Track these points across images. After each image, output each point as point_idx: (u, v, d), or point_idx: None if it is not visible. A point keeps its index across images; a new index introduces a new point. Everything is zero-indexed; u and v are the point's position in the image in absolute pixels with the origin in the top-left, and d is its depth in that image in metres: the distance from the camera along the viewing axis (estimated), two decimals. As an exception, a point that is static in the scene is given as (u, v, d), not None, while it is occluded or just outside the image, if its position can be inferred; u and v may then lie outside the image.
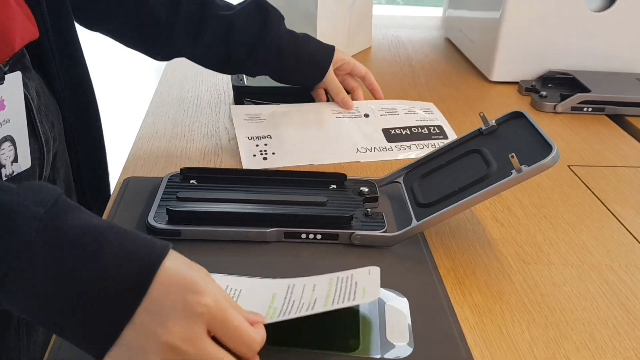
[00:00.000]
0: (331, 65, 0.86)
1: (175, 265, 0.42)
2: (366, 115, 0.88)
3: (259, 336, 0.44)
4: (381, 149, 0.82)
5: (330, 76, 0.86)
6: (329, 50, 0.86)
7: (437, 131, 0.87)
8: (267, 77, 0.92)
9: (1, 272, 0.39)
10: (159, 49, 0.84)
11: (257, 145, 0.80)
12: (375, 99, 0.92)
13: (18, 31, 0.60)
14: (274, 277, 0.56)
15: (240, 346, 0.43)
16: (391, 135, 0.85)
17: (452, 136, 0.86)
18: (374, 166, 0.79)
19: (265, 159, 0.78)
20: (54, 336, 0.49)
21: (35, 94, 0.64)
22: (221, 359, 0.42)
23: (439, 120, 0.90)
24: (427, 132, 0.86)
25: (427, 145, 0.83)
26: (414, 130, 0.86)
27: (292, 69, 0.85)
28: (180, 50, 0.83)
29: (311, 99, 0.91)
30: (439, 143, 0.83)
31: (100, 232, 0.41)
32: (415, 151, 0.82)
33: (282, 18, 0.84)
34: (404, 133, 0.85)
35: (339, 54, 0.87)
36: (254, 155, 0.78)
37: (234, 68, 0.86)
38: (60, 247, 0.40)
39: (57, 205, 0.41)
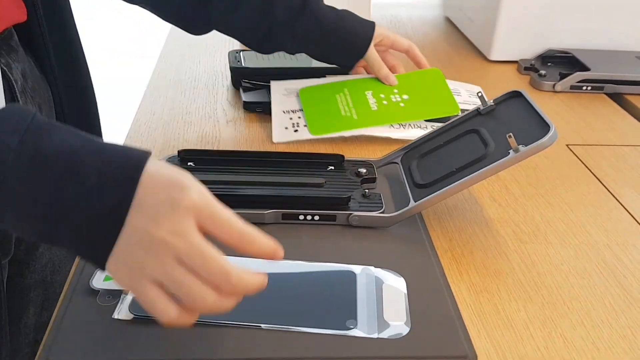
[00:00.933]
0: (372, 40, 0.85)
1: (157, 167, 0.42)
2: None
3: (249, 228, 0.43)
4: (414, 125, 0.81)
5: (371, 51, 0.85)
6: (370, 25, 0.85)
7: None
8: (265, 57, 0.92)
9: None
10: (196, 22, 0.81)
11: (290, 119, 0.82)
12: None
13: None
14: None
15: (232, 236, 0.42)
16: None
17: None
18: (372, 147, 0.79)
19: (296, 131, 0.80)
20: (51, 322, 0.49)
21: (20, 76, 0.63)
22: (210, 253, 0.41)
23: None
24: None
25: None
26: None
27: (333, 44, 0.83)
28: (217, 23, 0.81)
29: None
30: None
31: (74, 151, 0.41)
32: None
33: None
34: None
35: (379, 29, 0.86)
36: (286, 128, 0.80)
37: (271, 43, 0.83)
38: (38, 172, 0.40)
39: (30, 130, 0.41)
